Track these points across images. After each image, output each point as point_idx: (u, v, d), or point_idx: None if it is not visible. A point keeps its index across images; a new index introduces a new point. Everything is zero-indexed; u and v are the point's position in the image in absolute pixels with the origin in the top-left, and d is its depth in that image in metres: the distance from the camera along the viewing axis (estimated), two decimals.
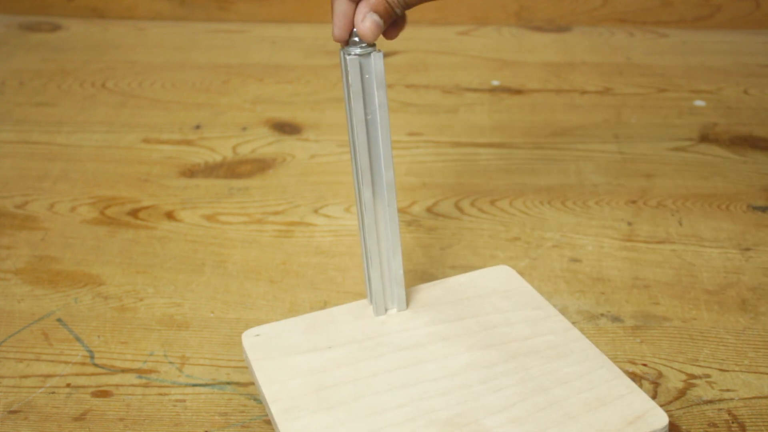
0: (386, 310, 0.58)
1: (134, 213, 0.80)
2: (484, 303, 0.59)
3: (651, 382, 0.59)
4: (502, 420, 0.49)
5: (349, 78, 0.51)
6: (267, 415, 0.57)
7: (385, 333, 0.57)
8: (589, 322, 0.65)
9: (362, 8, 0.50)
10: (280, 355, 0.55)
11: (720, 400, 0.57)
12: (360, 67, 0.51)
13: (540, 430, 0.49)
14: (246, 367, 0.61)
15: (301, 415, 0.50)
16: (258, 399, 0.58)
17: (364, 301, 0.60)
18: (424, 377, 0.53)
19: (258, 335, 0.57)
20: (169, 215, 0.80)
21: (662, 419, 0.49)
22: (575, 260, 0.72)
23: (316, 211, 0.80)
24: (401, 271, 0.57)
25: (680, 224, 0.76)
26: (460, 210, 0.79)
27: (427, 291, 0.61)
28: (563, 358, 0.54)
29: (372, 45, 0.51)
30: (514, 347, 0.55)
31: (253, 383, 0.60)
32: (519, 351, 0.55)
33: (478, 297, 0.60)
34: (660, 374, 0.59)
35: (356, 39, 0.51)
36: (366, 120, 0.52)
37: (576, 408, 0.50)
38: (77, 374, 0.61)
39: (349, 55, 0.50)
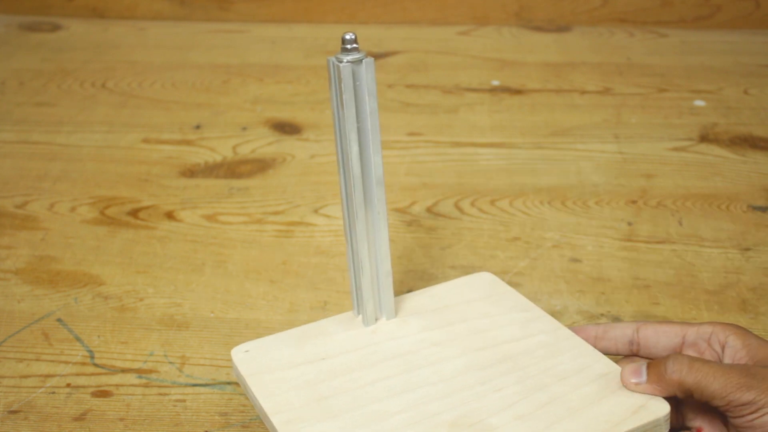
0: (376, 319, 0.58)
1: (134, 213, 0.80)
2: (471, 309, 0.59)
3: None
4: (508, 418, 0.49)
5: (342, 85, 0.50)
6: None
7: (377, 342, 0.56)
8: (589, 322, 0.64)
9: (652, 363, 0.50)
10: (273, 369, 0.54)
11: None
12: (352, 74, 0.51)
13: (547, 426, 0.49)
14: None
15: (305, 425, 0.50)
16: None
17: (350, 313, 0.59)
18: (422, 382, 0.53)
19: (247, 351, 0.56)
20: (169, 215, 0.80)
21: (664, 408, 0.49)
22: (575, 260, 0.72)
23: (316, 211, 0.80)
24: (390, 279, 0.57)
25: (680, 224, 0.76)
26: (460, 210, 0.79)
27: (413, 300, 0.61)
28: (557, 356, 0.54)
29: (361, 53, 0.51)
30: (507, 348, 0.55)
31: None
32: (512, 352, 0.55)
33: (464, 303, 0.60)
34: None
35: (347, 46, 0.50)
36: (357, 128, 0.52)
37: (578, 402, 0.50)
38: (77, 374, 0.61)
39: (341, 62, 0.50)
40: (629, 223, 0.77)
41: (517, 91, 1.03)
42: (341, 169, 0.54)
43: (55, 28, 1.26)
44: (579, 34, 1.20)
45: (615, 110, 0.98)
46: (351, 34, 0.50)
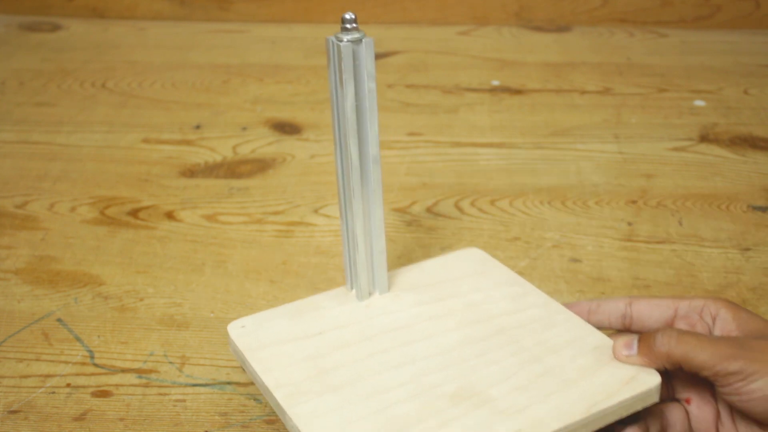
0: (369, 294, 0.59)
1: (134, 213, 0.80)
2: (462, 283, 0.60)
3: None
4: (507, 389, 0.50)
5: (342, 65, 0.50)
6: (267, 416, 0.57)
7: (372, 316, 0.57)
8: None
9: (643, 336, 0.51)
10: (271, 344, 0.55)
11: None
12: (352, 54, 0.51)
13: (544, 396, 0.49)
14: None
15: (308, 398, 0.50)
16: (258, 399, 0.59)
17: (342, 288, 0.60)
18: (420, 355, 0.53)
19: (244, 326, 0.56)
20: (169, 215, 0.80)
21: (655, 379, 0.50)
22: (575, 260, 0.72)
23: (316, 211, 0.80)
24: (384, 256, 0.58)
25: (680, 224, 0.76)
26: (460, 210, 0.79)
27: (405, 275, 0.61)
28: (551, 329, 0.55)
29: (360, 32, 0.51)
30: (501, 322, 0.56)
31: (253, 383, 0.60)
32: (506, 325, 0.55)
33: (455, 278, 0.61)
34: None
35: (347, 26, 0.50)
36: (356, 107, 0.53)
37: (573, 373, 0.51)
38: (77, 374, 0.61)
39: (341, 41, 0.50)
40: (629, 223, 0.77)
41: (517, 91, 1.03)
42: (338, 148, 0.54)
43: (55, 28, 1.26)
44: (579, 34, 1.20)
45: (615, 110, 0.98)
46: (351, 14, 0.50)
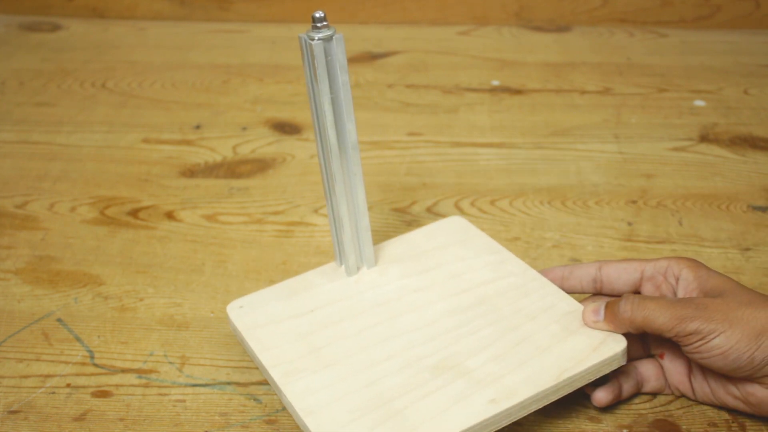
0: (358, 269, 0.62)
1: (134, 213, 0.80)
2: (445, 253, 0.63)
3: None
4: (484, 359, 0.53)
5: (316, 62, 0.53)
6: (267, 416, 0.57)
7: (361, 291, 0.60)
8: None
9: (609, 303, 0.54)
10: (268, 323, 0.58)
11: None
12: (324, 50, 0.54)
13: (519, 364, 0.52)
14: (246, 367, 0.61)
15: (302, 376, 0.53)
16: (258, 399, 0.59)
17: (332, 264, 0.63)
18: (406, 328, 0.56)
19: (242, 306, 0.59)
20: (169, 215, 0.80)
21: (621, 344, 0.53)
22: (575, 260, 0.72)
23: (316, 211, 0.80)
24: (369, 233, 0.61)
25: (680, 224, 0.76)
26: (460, 210, 0.79)
27: (390, 248, 0.64)
28: (527, 297, 0.58)
29: (330, 29, 0.54)
30: (482, 291, 0.59)
31: (253, 383, 0.60)
32: (487, 294, 0.58)
33: (438, 248, 0.63)
34: None
35: (317, 24, 0.53)
36: (331, 99, 0.55)
37: (547, 340, 0.54)
38: (77, 374, 0.61)
39: (313, 40, 0.53)
40: (629, 223, 0.77)
41: (517, 91, 1.03)
42: (318, 137, 0.57)
43: (55, 28, 1.26)
44: (579, 34, 1.20)
45: (615, 110, 0.98)
46: (320, 12, 0.53)
